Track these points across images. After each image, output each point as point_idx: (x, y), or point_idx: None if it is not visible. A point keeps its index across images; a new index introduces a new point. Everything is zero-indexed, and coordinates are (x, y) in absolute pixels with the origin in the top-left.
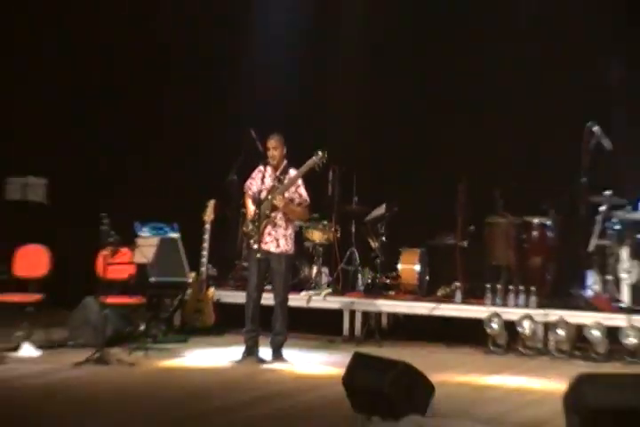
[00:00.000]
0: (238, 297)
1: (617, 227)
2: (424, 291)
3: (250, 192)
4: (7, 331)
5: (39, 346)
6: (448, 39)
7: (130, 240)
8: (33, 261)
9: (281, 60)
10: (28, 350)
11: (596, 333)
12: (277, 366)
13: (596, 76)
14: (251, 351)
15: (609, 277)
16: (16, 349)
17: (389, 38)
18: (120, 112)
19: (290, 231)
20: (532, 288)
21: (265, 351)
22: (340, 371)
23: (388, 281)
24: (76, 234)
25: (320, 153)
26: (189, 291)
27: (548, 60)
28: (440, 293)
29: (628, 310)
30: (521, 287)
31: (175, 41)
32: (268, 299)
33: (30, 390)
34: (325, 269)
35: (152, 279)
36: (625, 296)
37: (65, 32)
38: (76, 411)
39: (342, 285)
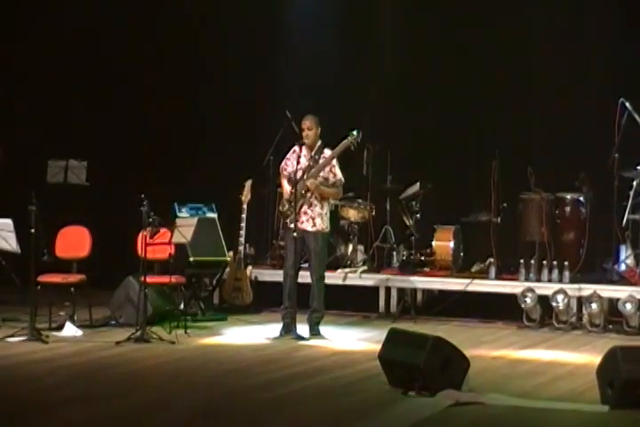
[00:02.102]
0: (275, 275)
1: None
2: (458, 267)
3: (285, 172)
4: (51, 311)
5: (82, 325)
6: (479, 14)
7: (169, 221)
8: (75, 242)
9: (315, 42)
10: (71, 330)
11: (629, 306)
12: (315, 342)
13: (629, 49)
14: (288, 328)
15: None
16: (60, 328)
17: (422, 12)
18: (162, 95)
19: (325, 210)
20: (566, 263)
21: (302, 328)
22: (376, 347)
23: (422, 258)
24: (117, 215)
25: (355, 133)
26: (227, 270)
27: (581, 32)
28: (474, 269)
29: None
30: (554, 262)
31: (209, 26)
32: (304, 277)
33: (74, 369)
34: (361, 247)
35: (191, 259)
36: None
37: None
38: (120, 387)
39: (377, 262)
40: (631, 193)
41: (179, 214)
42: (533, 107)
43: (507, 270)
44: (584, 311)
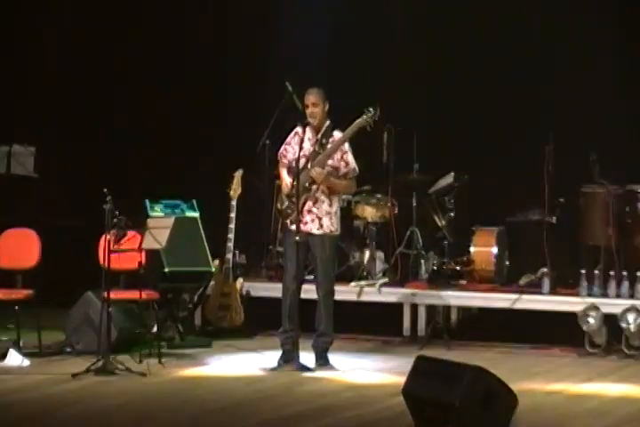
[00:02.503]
0: (273, 290)
1: None
2: (503, 279)
3: (285, 160)
4: None
5: (29, 353)
6: None
7: (139, 221)
8: (20, 248)
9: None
10: (15, 359)
11: None
12: (322, 374)
13: None
14: (289, 357)
15: None
16: (2, 357)
17: None
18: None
19: (335, 208)
20: (638, 274)
21: (307, 357)
22: (399, 380)
23: (458, 268)
24: (74, 215)
25: (371, 110)
26: (212, 283)
27: None
28: (523, 281)
29: None
30: (624, 273)
31: None
32: (309, 292)
33: (20, 408)
34: (380, 254)
35: (166, 269)
36: None
37: None
38: None
39: (401, 273)
40: None
41: (151, 213)
42: (597, 78)
43: (564, 283)
44: None
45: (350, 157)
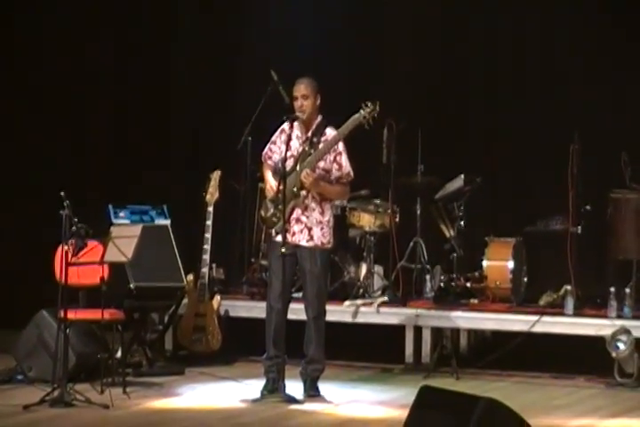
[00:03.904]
0: (255, 310)
1: None
2: (520, 298)
3: (270, 161)
4: None
5: None
6: None
7: (101, 230)
8: None
9: None
10: None
11: None
12: (312, 406)
13: None
14: (274, 387)
15: None
16: None
17: None
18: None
19: (327, 217)
20: None
21: (294, 386)
22: (401, 413)
23: (468, 285)
24: (25, 222)
25: (370, 105)
26: (185, 301)
27: None
28: (543, 300)
29: None
30: None
31: None
32: (297, 312)
33: None
34: (379, 269)
35: (132, 285)
36: None
37: None
38: None
39: (403, 290)
40: None
41: (115, 221)
42: (628, 72)
43: (591, 303)
44: None
45: (344, 159)
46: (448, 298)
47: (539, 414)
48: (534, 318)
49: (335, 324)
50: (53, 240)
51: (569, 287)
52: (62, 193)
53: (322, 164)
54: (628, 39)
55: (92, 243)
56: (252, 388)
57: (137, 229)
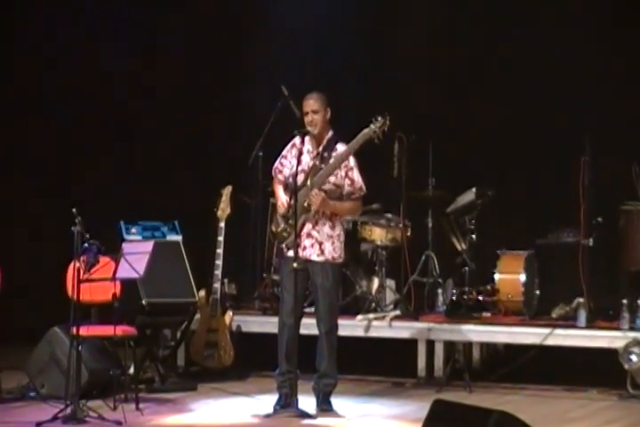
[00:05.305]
0: (267, 325)
1: None
2: (533, 311)
3: (281, 176)
4: None
5: None
6: None
7: (113, 246)
8: None
9: None
10: None
11: None
12: (325, 421)
13: None
14: (287, 402)
15: None
16: None
17: None
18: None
19: (338, 231)
20: None
21: (307, 401)
22: None
23: (480, 298)
24: (38, 239)
25: (380, 119)
26: (198, 317)
27: None
28: (556, 313)
29: None
30: None
31: None
32: (309, 327)
33: None
34: (391, 283)
35: (144, 301)
36: None
37: None
38: None
39: (415, 304)
40: None
41: (127, 237)
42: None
43: (603, 315)
44: None
45: (356, 174)
46: (460, 311)
47: None
48: (547, 330)
49: (347, 338)
50: (65, 257)
51: (581, 300)
52: (74, 209)
53: (332, 179)
54: None
55: (103, 259)
56: (265, 403)
57: (149, 246)
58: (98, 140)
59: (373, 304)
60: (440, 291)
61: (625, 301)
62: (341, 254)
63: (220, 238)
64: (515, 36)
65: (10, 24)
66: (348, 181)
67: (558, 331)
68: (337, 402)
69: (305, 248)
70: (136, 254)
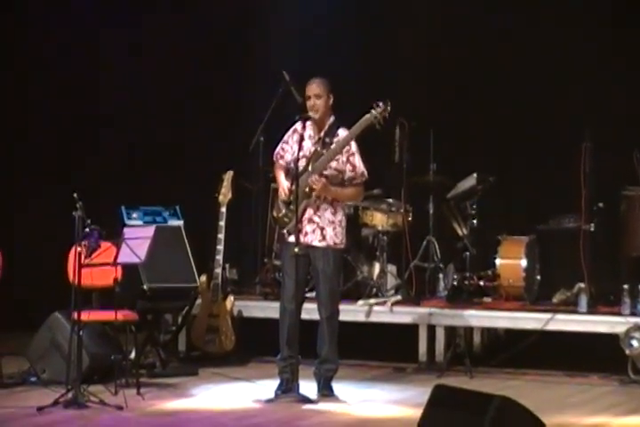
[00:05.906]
0: (268, 310)
1: None
2: (534, 296)
3: (282, 161)
4: None
5: None
6: None
7: (114, 231)
8: None
9: None
10: None
11: None
12: (326, 406)
13: None
14: (288, 387)
15: None
16: None
17: None
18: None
19: (340, 217)
20: None
21: (308, 386)
22: (414, 412)
23: (481, 283)
24: (38, 223)
25: (381, 105)
26: (199, 302)
27: None
28: (557, 298)
29: None
30: None
31: None
32: (310, 312)
33: None
34: (392, 268)
35: (145, 286)
36: None
37: None
38: None
39: (416, 289)
40: None
41: (128, 222)
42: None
43: (604, 300)
44: None
45: (358, 160)
46: (461, 297)
47: (553, 412)
48: (548, 315)
49: (348, 323)
50: (66, 242)
51: (582, 285)
52: (75, 194)
53: (334, 164)
54: None
55: (105, 244)
56: (266, 388)
57: (150, 231)
58: (99, 125)
59: (374, 289)
60: (441, 276)
61: (626, 286)
62: (343, 240)
63: (222, 223)
64: (516, 22)
65: (10, 24)
66: (349, 167)
67: (559, 316)
68: (338, 387)
69: (306, 234)
70: (137, 239)
